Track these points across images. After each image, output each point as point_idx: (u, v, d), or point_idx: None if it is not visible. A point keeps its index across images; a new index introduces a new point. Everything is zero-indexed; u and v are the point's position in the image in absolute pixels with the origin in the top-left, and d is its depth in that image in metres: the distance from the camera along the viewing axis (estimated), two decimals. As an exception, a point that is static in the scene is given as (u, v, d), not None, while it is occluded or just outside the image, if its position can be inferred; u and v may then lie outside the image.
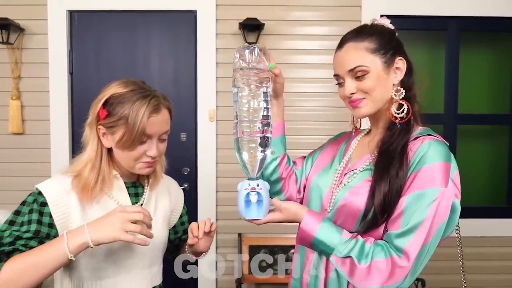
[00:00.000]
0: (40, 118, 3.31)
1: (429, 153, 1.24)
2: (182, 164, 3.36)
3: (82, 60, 3.34)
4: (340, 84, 1.38)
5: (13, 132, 3.29)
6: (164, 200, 1.58)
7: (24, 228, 1.29)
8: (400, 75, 1.35)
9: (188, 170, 3.37)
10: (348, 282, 1.30)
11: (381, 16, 1.45)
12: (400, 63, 1.35)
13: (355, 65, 1.31)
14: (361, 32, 1.35)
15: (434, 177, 1.22)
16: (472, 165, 3.64)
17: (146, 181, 1.54)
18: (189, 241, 1.47)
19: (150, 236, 1.29)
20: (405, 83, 1.36)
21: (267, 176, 1.53)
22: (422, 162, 1.24)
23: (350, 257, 1.25)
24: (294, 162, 1.62)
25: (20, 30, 3.23)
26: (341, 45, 1.37)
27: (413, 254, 1.20)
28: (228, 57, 3.28)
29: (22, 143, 3.33)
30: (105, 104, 1.38)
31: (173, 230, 1.67)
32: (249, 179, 1.28)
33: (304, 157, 1.64)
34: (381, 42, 1.33)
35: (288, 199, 1.56)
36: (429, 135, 1.32)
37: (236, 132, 1.26)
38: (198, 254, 1.58)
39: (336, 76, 1.38)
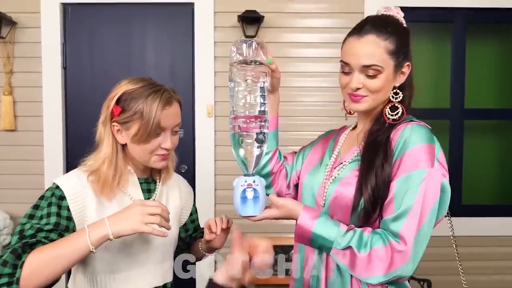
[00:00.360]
0: (33, 114, 3.34)
1: (411, 137, 1.29)
2: (179, 162, 3.32)
3: (76, 54, 3.37)
4: (345, 73, 1.40)
5: (5, 129, 3.32)
6: (174, 196, 1.67)
7: (44, 221, 1.37)
8: (402, 79, 1.40)
9: (186, 167, 3.39)
10: (351, 280, 1.34)
11: None
12: (406, 69, 1.40)
13: (372, 63, 1.34)
14: (384, 28, 1.36)
15: (419, 159, 1.27)
16: (480, 161, 3.66)
17: (158, 176, 1.63)
18: (207, 237, 1.57)
19: (168, 228, 1.37)
20: (403, 82, 1.41)
21: (258, 170, 1.56)
22: (405, 147, 1.29)
23: (349, 247, 1.29)
24: (285, 157, 1.66)
25: (12, 23, 3.26)
26: (360, 33, 1.37)
27: (410, 237, 1.24)
28: (226, 51, 3.25)
29: (14, 140, 3.35)
30: (118, 101, 1.47)
31: (184, 228, 1.75)
32: (245, 175, 1.31)
33: (295, 152, 1.68)
34: (398, 44, 1.36)
35: (278, 194, 1.61)
36: (410, 121, 1.37)
37: (233, 128, 1.29)
38: (212, 250, 1.68)
39: (345, 64, 1.39)
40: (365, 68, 1.34)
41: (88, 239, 1.28)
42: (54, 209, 1.39)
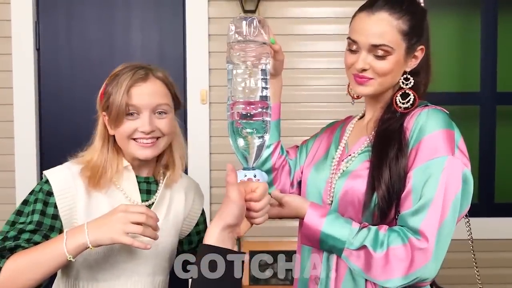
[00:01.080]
0: (2, 102, 3.34)
1: (427, 123, 1.34)
2: None
3: (51, 33, 3.39)
4: (352, 52, 1.45)
5: (-32, 120, 3.32)
6: (178, 202, 1.69)
7: (28, 219, 1.45)
8: (414, 64, 1.46)
9: (177, 162, 3.40)
10: (365, 284, 1.37)
11: None
12: (419, 53, 1.46)
13: (382, 42, 1.39)
14: (399, 5, 1.41)
15: (437, 147, 1.31)
16: (515, 153, 3.66)
17: (162, 177, 1.64)
18: None
19: (154, 238, 1.40)
20: (417, 67, 1.46)
21: (258, 165, 1.55)
22: (421, 134, 1.34)
23: (364, 246, 1.33)
24: (287, 152, 1.70)
25: (-24, -2, 3.26)
26: (372, 9, 1.42)
27: (431, 233, 1.28)
28: (222, 28, 3.29)
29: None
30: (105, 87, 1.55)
31: (188, 240, 1.76)
32: (244, 169, 1.31)
33: (297, 146, 1.73)
34: (412, 25, 1.41)
35: (281, 192, 1.61)
36: (425, 106, 1.42)
37: (231, 115, 1.30)
38: None
39: (353, 41, 1.44)
40: (373, 47, 1.39)
41: (65, 247, 1.33)
42: (39, 206, 1.46)
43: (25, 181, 3.23)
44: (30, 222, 1.44)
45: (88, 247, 1.34)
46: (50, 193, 1.48)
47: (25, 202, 1.50)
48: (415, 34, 1.42)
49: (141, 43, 3.42)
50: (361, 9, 1.45)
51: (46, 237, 1.44)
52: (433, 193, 1.29)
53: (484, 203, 3.49)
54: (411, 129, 1.37)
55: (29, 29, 3.33)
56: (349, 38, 1.46)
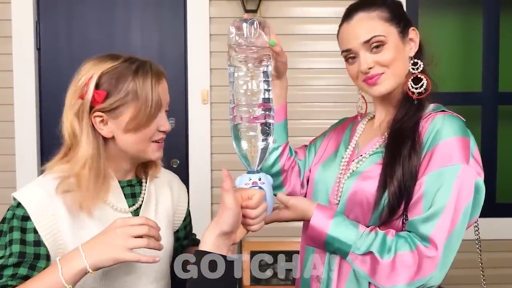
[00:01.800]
0: (2, 102, 3.34)
1: (444, 128, 1.34)
2: (170, 155, 3.39)
3: (51, 33, 3.40)
4: (351, 61, 1.46)
5: (-31, 120, 3.31)
6: (165, 198, 1.61)
7: (7, 251, 1.31)
8: (414, 47, 1.46)
9: (178, 162, 3.43)
10: (369, 287, 1.37)
11: None
12: (413, 34, 1.46)
13: (371, 35, 1.40)
14: (372, 3, 1.44)
15: (452, 153, 1.31)
16: (517, 153, 3.67)
17: (144, 175, 1.56)
18: None
19: (159, 249, 1.30)
20: (417, 58, 1.46)
21: (267, 168, 1.60)
22: (437, 139, 1.33)
23: (370, 252, 1.32)
24: (295, 152, 1.69)
25: (-24, -2, 3.26)
26: (349, 16, 1.45)
27: (441, 241, 1.28)
28: (223, 28, 3.26)
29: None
30: (97, 85, 1.37)
31: (175, 236, 1.68)
32: (249, 172, 1.30)
33: (306, 146, 1.72)
34: (393, 11, 1.44)
35: (291, 193, 1.63)
36: (442, 111, 1.41)
37: (233, 118, 1.29)
38: None
39: (347, 51, 1.45)
40: (367, 44, 1.40)
41: (62, 277, 1.21)
42: (16, 235, 1.31)
43: (25, 181, 3.16)
44: (10, 255, 1.29)
45: (88, 272, 1.22)
46: (26, 218, 1.32)
47: None
48: (400, 19, 1.44)
49: (141, 43, 3.42)
50: (340, 24, 1.49)
51: (33, 268, 1.30)
52: (446, 201, 1.28)
53: (486, 204, 3.45)
54: (428, 130, 1.36)
55: (30, 29, 3.33)
56: (342, 51, 1.47)
